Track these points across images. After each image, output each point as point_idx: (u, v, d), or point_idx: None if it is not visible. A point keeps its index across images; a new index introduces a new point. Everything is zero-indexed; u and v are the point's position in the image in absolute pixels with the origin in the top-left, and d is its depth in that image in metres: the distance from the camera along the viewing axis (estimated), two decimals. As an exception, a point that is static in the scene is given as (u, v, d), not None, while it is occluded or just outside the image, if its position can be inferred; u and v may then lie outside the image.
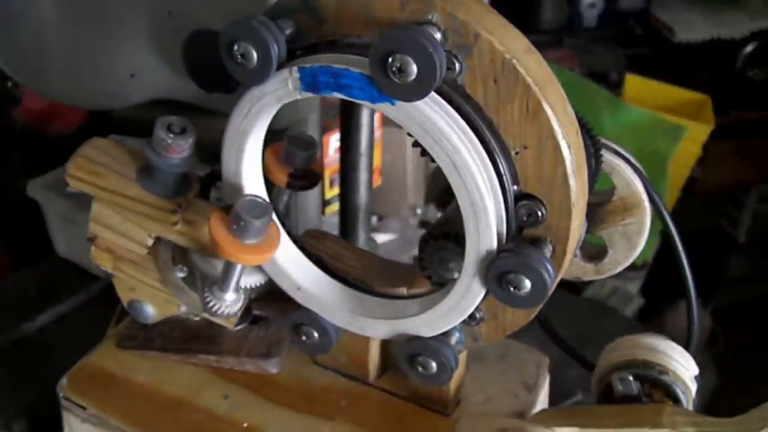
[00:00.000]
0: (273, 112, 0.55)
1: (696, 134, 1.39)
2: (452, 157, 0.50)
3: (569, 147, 0.51)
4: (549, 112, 0.50)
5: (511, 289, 0.52)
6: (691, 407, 0.61)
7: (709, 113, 1.44)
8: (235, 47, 0.52)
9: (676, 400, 0.61)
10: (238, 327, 0.71)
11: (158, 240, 0.65)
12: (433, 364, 0.59)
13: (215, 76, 0.68)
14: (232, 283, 0.60)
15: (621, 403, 0.62)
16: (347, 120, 0.83)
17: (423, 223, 1.21)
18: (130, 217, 0.63)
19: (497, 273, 0.52)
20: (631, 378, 0.60)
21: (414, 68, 0.47)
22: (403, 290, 0.62)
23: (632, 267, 0.93)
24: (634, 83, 1.49)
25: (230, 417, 0.66)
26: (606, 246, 0.62)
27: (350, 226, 0.89)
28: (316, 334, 0.63)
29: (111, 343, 0.72)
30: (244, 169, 0.59)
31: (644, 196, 0.59)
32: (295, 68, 0.52)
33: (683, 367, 0.62)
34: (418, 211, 1.19)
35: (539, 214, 0.53)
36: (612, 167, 0.59)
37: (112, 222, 0.64)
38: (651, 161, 1.37)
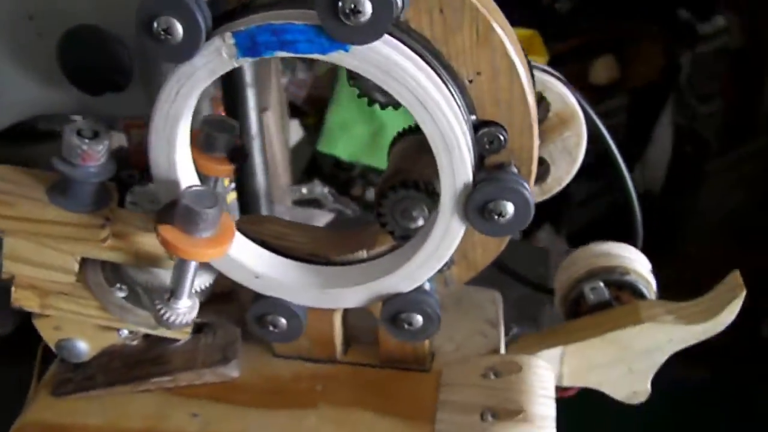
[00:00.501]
0: (202, 89, 0.51)
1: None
2: (418, 95, 0.48)
3: (522, 65, 0.51)
4: (500, 32, 0.49)
5: (495, 217, 0.51)
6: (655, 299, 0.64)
7: (541, 46, 1.52)
8: (155, 23, 0.47)
9: (643, 297, 0.63)
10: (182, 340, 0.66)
11: (83, 263, 0.58)
12: (419, 318, 0.57)
13: (101, 76, 0.63)
14: (187, 288, 0.54)
15: (593, 312, 0.63)
16: (234, 104, 0.79)
17: (311, 201, 1.19)
18: (51, 244, 0.56)
19: (479, 204, 0.51)
20: (602, 284, 0.62)
21: (368, 7, 0.45)
22: (363, 253, 0.60)
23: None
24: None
25: (204, 433, 0.61)
26: (548, 164, 0.63)
27: (252, 212, 0.85)
28: (283, 321, 0.59)
29: (45, 394, 0.64)
30: (177, 159, 0.54)
31: (578, 108, 0.60)
32: (228, 34, 0.48)
33: (640, 264, 0.65)
34: (304, 190, 1.16)
35: (501, 138, 0.52)
36: (544, 85, 0.60)
37: (31, 254, 0.56)
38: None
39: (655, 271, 0.65)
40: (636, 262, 0.64)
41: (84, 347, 0.63)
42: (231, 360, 0.65)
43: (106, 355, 0.65)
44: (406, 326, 0.58)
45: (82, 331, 0.62)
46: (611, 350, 0.61)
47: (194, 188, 0.52)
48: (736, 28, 1.78)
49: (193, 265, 0.54)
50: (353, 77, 0.53)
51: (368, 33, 0.46)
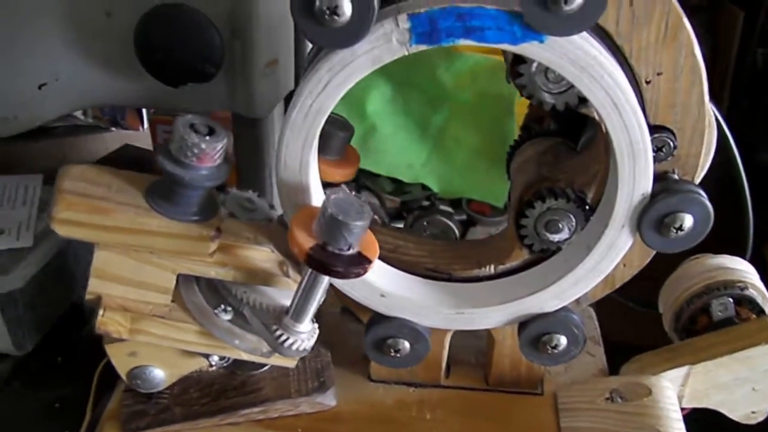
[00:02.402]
0: (355, 82, 0.44)
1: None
2: (614, 96, 0.43)
3: (703, 66, 0.46)
4: (689, 28, 0.45)
5: (672, 231, 0.47)
6: (773, 315, 0.61)
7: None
8: (319, 1, 0.40)
9: (763, 312, 0.60)
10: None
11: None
12: (564, 340, 0.52)
13: (186, 64, 0.55)
14: (312, 309, 0.48)
15: (713, 329, 0.59)
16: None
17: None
18: (151, 259, 0.48)
19: (656, 217, 0.47)
20: (731, 300, 0.58)
21: (584, -6, 0.39)
22: (491, 269, 0.54)
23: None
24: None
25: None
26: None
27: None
28: (407, 345, 0.53)
29: (114, 429, 0.55)
30: (311, 161, 0.47)
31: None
32: (403, 16, 0.41)
33: (755, 277, 0.61)
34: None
35: (671, 145, 0.48)
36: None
37: (125, 271, 0.48)
38: (496, 105, 1.38)
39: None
40: (752, 275, 0.61)
41: (161, 376, 0.55)
42: (329, 387, 0.58)
43: (180, 384, 0.57)
44: (549, 349, 0.52)
45: (161, 358, 0.54)
46: (738, 369, 0.57)
47: (341, 195, 0.45)
48: None
49: (326, 283, 0.47)
50: (518, 75, 0.47)
51: (574, 23, 0.40)
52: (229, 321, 0.51)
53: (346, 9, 0.40)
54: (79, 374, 0.63)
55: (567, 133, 0.55)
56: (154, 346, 0.52)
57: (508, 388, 0.60)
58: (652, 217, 0.47)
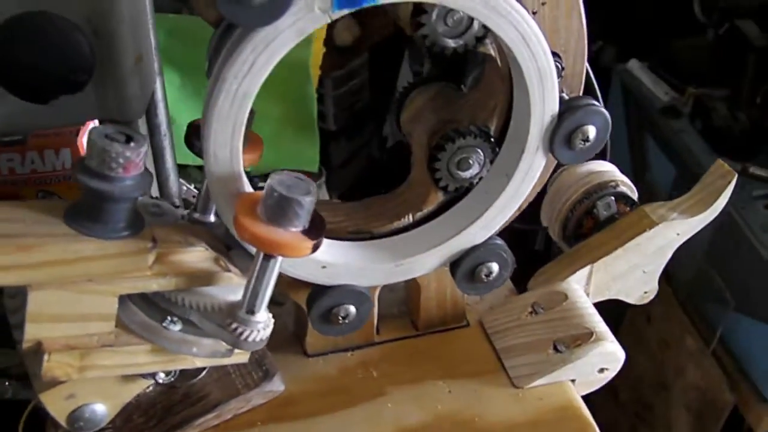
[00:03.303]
0: (279, 58, 0.43)
1: (319, 33, 1.41)
2: (520, 28, 0.46)
3: (576, -12, 0.51)
4: (562, -42, 0.49)
5: (581, 143, 0.51)
6: (638, 202, 0.68)
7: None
8: (240, -20, 0.39)
9: (634, 203, 0.67)
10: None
11: (110, 305, 0.47)
12: (496, 266, 0.55)
13: (54, 76, 0.51)
14: (267, 296, 0.47)
15: (600, 228, 0.66)
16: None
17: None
18: (90, 287, 0.44)
19: (565, 134, 0.51)
20: (613, 199, 0.64)
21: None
22: (409, 218, 0.56)
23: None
24: None
25: (286, 459, 0.53)
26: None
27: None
28: (353, 309, 0.53)
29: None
30: (240, 148, 0.45)
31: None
32: (323, -16, 0.41)
33: (620, 175, 0.68)
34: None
35: (560, 67, 0.52)
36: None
37: (63, 307, 0.44)
38: (292, 71, 1.37)
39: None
40: (618, 173, 0.68)
41: (103, 410, 0.51)
42: (274, 373, 0.57)
43: (121, 415, 0.53)
44: (484, 278, 0.55)
45: (100, 391, 0.50)
46: (631, 257, 0.64)
47: (284, 173, 0.44)
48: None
49: (278, 266, 0.46)
50: (419, 26, 0.48)
51: (482, -35, 0.43)
52: (180, 331, 0.48)
53: (268, -17, 0.39)
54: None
55: (448, 76, 0.57)
56: (91, 381, 0.49)
57: (437, 328, 0.62)
58: (561, 135, 0.51)
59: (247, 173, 1.42)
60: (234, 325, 0.46)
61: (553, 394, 0.58)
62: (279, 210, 0.43)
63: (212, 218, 0.54)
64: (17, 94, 0.50)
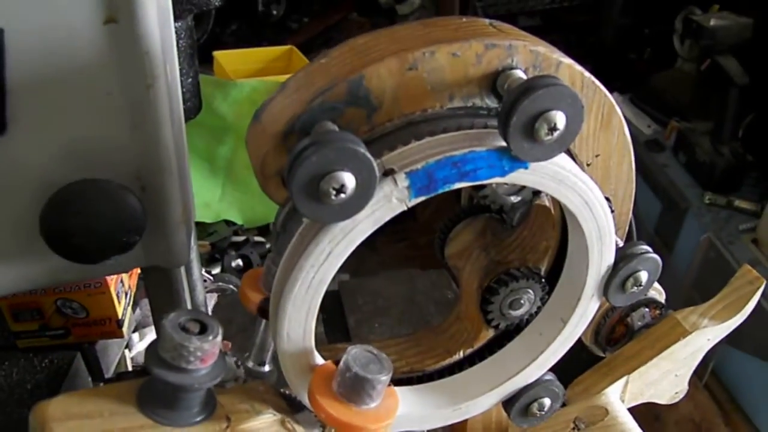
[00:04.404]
0: (354, 247, 0.43)
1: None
2: (584, 195, 0.46)
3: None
4: (620, 113, 0.49)
5: (634, 289, 0.52)
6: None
7: (300, 57, 1.47)
8: (322, 183, 0.39)
9: (663, 307, 0.68)
10: None
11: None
12: (548, 401, 0.56)
13: (107, 238, 0.50)
14: (338, 462, 0.47)
15: (633, 335, 0.67)
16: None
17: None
18: (166, 475, 0.44)
19: (620, 282, 0.51)
20: (647, 310, 0.66)
21: (562, 123, 0.42)
22: (460, 354, 0.56)
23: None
24: (225, 58, 1.42)
25: None
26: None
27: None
28: (413, 454, 0.54)
29: None
30: (313, 326, 0.45)
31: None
32: (401, 176, 0.41)
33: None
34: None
35: (610, 210, 0.53)
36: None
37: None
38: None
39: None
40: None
41: None
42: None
43: None
44: (537, 413, 0.56)
45: None
46: (664, 364, 0.65)
47: (359, 349, 0.44)
48: (429, 3, 1.91)
49: (350, 438, 0.46)
50: (480, 188, 0.49)
51: (554, 148, 0.43)
52: (252, 502, 0.48)
53: (350, 185, 0.39)
54: None
55: (492, 209, 0.58)
56: None
57: (479, 446, 0.63)
58: (616, 283, 0.51)
59: (239, 226, 1.40)
60: (306, 494, 0.46)
61: None
62: (354, 388, 0.44)
63: (266, 368, 0.54)
64: (68, 257, 0.50)
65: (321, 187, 0.39)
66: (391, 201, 0.41)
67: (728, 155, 1.56)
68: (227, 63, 1.42)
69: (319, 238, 0.42)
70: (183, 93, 0.57)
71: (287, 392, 0.52)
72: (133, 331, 0.92)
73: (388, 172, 0.41)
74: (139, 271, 0.91)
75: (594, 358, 0.68)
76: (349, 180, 0.39)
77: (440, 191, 0.43)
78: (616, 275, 0.51)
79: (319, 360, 0.47)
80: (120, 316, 0.80)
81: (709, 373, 1.50)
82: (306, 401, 0.47)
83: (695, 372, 1.36)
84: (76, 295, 0.77)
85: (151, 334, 0.93)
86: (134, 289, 0.88)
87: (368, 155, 0.39)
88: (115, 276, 0.79)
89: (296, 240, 0.43)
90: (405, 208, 0.42)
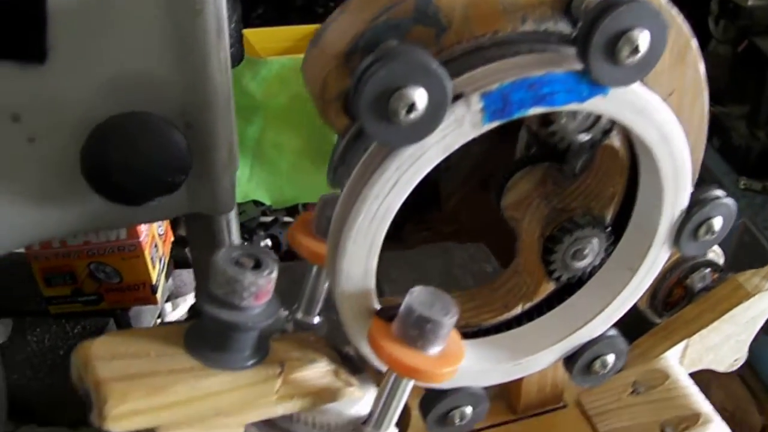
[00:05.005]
0: (422, 176, 0.40)
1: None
2: (662, 129, 0.43)
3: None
4: (695, 47, 0.46)
5: (707, 237, 0.49)
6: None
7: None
8: (392, 99, 0.36)
9: (722, 270, 0.65)
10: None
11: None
12: (612, 358, 0.53)
13: (151, 178, 0.48)
14: (396, 414, 0.44)
15: (692, 297, 0.64)
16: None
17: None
18: (218, 422, 0.41)
19: (693, 228, 0.48)
20: (708, 271, 0.63)
21: (647, 42, 0.39)
22: (518, 309, 0.53)
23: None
24: (254, 36, 1.40)
25: None
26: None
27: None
28: (469, 410, 0.51)
29: None
30: (374, 266, 0.43)
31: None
32: (475, 97, 0.38)
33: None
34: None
35: (683, 153, 0.50)
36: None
37: (191, 445, 0.41)
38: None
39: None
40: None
41: None
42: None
43: None
44: (600, 371, 0.53)
45: None
46: (725, 328, 0.62)
47: (423, 289, 0.42)
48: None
49: (411, 386, 0.43)
50: (549, 122, 0.46)
51: (636, 72, 0.40)
52: (304, 454, 0.45)
53: (421, 104, 0.36)
54: None
55: (553, 158, 0.55)
56: None
57: (535, 411, 0.60)
58: (689, 229, 0.48)
59: (267, 206, 1.37)
60: (361, 446, 0.43)
61: (665, 481, 0.56)
62: (418, 330, 0.41)
63: (316, 320, 0.51)
64: (110, 198, 0.47)
65: (390, 105, 0.36)
66: (462, 125, 0.39)
67: (764, 139, 1.51)
68: (257, 41, 1.40)
69: (385, 166, 0.39)
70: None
71: (341, 349, 0.49)
72: (166, 301, 0.90)
73: (459, 95, 0.38)
74: (172, 238, 0.89)
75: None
76: (420, 97, 0.36)
77: (515, 116, 0.40)
78: (689, 221, 0.48)
79: (378, 305, 0.44)
80: (154, 282, 0.78)
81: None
82: (363, 349, 0.45)
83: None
84: (109, 258, 0.74)
85: (184, 305, 0.91)
86: (168, 257, 0.86)
87: (441, 69, 0.36)
88: (149, 240, 0.77)
89: (358, 170, 0.40)
90: (477, 134, 0.39)
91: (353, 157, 0.42)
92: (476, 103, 0.38)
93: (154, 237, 0.78)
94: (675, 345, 0.61)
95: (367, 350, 0.44)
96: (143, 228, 0.74)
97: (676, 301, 0.65)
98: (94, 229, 0.51)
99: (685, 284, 0.64)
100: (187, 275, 0.88)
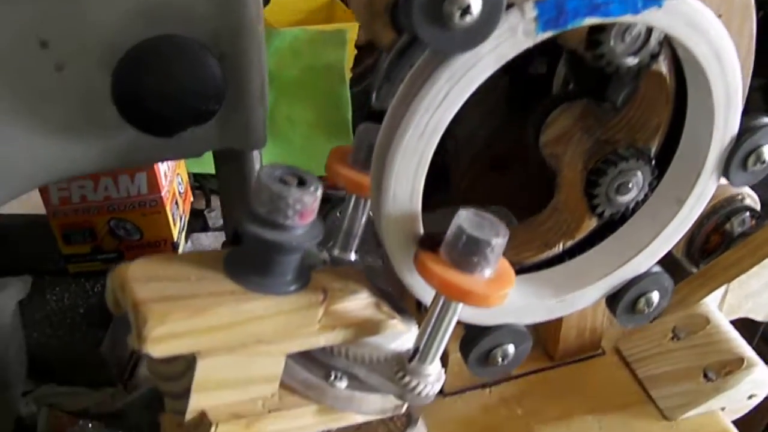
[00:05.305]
0: (475, 88, 0.39)
1: (352, 34, 1.37)
2: (716, 45, 0.42)
3: None
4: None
5: (756, 165, 0.47)
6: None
7: (342, 8, 1.43)
8: (446, 2, 0.34)
9: (760, 216, 0.64)
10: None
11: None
12: (657, 296, 0.51)
13: (184, 106, 0.46)
14: (443, 345, 0.43)
15: (729, 244, 0.62)
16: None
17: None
18: (260, 350, 0.40)
19: (742, 156, 0.47)
20: (748, 215, 0.61)
21: (705, -52, 0.37)
22: (560, 247, 0.52)
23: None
24: (268, 7, 1.38)
25: None
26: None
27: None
28: (512, 348, 0.49)
29: None
30: (421, 186, 0.41)
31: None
32: (529, 5, 0.37)
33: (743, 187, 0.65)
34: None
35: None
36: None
37: (233, 372, 0.39)
38: (327, 75, 1.33)
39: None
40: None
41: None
42: (417, 418, 0.53)
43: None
44: (645, 310, 0.51)
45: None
46: (765, 274, 0.61)
47: (472, 211, 0.40)
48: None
49: (457, 314, 0.42)
50: (596, 45, 0.44)
51: (696, -22, 0.38)
52: (347, 387, 0.44)
53: (476, 7, 0.35)
54: None
55: (591, 92, 0.53)
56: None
57: (573, 358, 0.58)
58: (739, 157, 0.47)
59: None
60: (405, 377, 0.42)
61: (708, 425, 0.55)
62: (468, 253, 0.39)
63: (353, 257, 0.49)
64: (142, 128, 0.46)
65: (444, 8, 0.34)
66: (516, 34, 0.37)
67: (781, 110, 1.50)
68: (269, 12, 1.37)
69: (436, 76, 0.37)
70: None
71: (381, 287, 0.47)
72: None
73: (513, 3, 0.37)
74: (192, 199, 0.87)
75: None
76: (474, 0, 0.35)
77: (569, 26, 0.38)
78: (738, 149, 0.46)
79: (422, 231, 0.43)
80: (175, 239, 0.76)
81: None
82: (407, 279, 0.43)
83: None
84: (130, 214, 0.73)
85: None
86: (187, 216, 0.84)
87: (496, -29, 0.35)
88: (170, 196, 0.75)
89: (406, 84, 0.39)
90: (530, 45, 0.38)
91: (399, 74, 0.41)
92: (530, 11, 0.37)
93: (175, 194, 0.77)
94: (714, 291, 0.60)
95: (411, 279, 0.43)
96: (164, 183, 0.72)
97: (713, 249, 0.63)
98: (122, 165, 0.49)
99: (724, 230, 0.62)
100: (205, 238, 0.86)
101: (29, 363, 0.70)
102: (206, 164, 0.97)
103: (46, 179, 0.48)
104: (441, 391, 0.55)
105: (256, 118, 0.50)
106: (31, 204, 0.80)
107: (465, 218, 0.40)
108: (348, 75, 1.34)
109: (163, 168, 0.72)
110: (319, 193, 0.39)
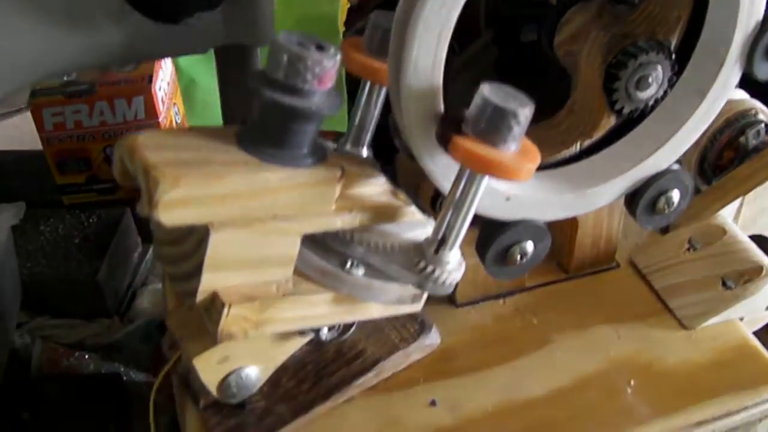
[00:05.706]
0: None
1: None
2: None
3: None
4: None
5: (782, 53, 0.46)
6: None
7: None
8: None
9: (773, 131, 0.62)
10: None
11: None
12: (677, 195, 0.50)
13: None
14: (465, 228, 0.41)
15: (743, 158, 0.61)
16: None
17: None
18: (275, 226, 0.38)
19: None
20: (763, 126, 0.60)
21: None
22: (577, 146, 0.50)
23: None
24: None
25: (462, 417, 0.48)
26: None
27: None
28: (531, 246, 0.48)
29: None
30: (443, 59, 0.39)
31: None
32: None
33: (756, 101, 0.63)
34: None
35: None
36: None
37: (247, 249, 0.37)
38: (321, 25, 1.30)
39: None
40: (752, 100, 0.63)
41: (256, 375, 0.45)
42: (431, 326, 0.51)
43: (267, 381, 0.47)
44: (665, 209, 0.50)
45: (254, 352, 0.44)
46: (781, 188, 0.60)
47: (492, 85, 0.38)
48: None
49: (481, 191, 0.40)
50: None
51: None
52: (364, 275, 0.42)
53: None
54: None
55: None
56: (244, 342, 0.43)
57: (588, 270, 0.57)
58: (764, 45, 0.45)
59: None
60: (424, 265, 0.40)
61: (727, 333, 0.53)
62: (494, 124, 0.37)
63: (365, 152, 0.48)
64: (147, 13, 0.44)
65: None
66: None
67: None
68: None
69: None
70: None
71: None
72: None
73: None
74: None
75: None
76: None
77: None
78: (763, 35, 0.45)
79: (442, 106, 0.41)
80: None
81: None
82: (425, 159, 0.41)
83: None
84: (126, 141, 0.70)
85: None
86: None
87: None
88: (167, 123, 0.73)
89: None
90: None
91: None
92: None
93: (172, 122, 0.75)
94: (728, 203, 0.59)
95: (430, 162, 0.41)
96: (162, 109, 0.70)
97: (726, 164, 0.62)
98: (126, 60, 0.47)
99: (738, 144, 0.60)
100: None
101: (23, 295, 0.68)
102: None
103: (49, 70, 0.46)
104: (454, 302, 0.54)
105: (263, 12, 0.48)
106: (26, 143, 0.78)
107: (489, 90, 0.38)
108: (341, 28, 1.32)
109: (160, 94, 0.70)
110: (339, 58, 0.37)
